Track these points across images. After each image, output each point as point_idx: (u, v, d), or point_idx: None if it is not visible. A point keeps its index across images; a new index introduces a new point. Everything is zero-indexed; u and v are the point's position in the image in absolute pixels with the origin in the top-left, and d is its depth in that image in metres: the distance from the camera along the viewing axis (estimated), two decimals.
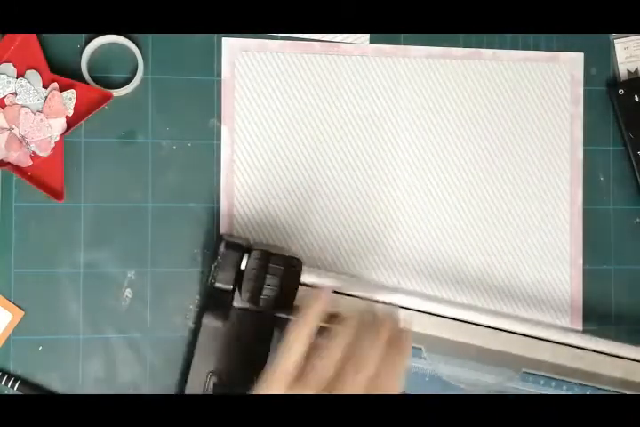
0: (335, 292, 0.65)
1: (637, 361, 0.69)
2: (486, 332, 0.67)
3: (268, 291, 0.63)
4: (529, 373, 0.67)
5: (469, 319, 0.67)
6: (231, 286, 0.64)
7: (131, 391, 0.67)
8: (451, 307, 0.67)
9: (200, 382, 0.64)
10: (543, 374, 0.67)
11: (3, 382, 0.64)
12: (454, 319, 0.67)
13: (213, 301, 0.64)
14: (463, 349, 0.67)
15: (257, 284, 0.63)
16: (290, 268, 0.64)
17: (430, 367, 0.67)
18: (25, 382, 0.65)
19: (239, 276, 0.64)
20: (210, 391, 0.64)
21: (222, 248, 0.64)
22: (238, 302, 0.65)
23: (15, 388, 0.65)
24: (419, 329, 0.67)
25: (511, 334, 0.68)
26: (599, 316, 0.74)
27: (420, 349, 0.67)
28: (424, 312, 0.67)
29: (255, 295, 0.63)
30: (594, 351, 0.68)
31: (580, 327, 0.74)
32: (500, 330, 0.68)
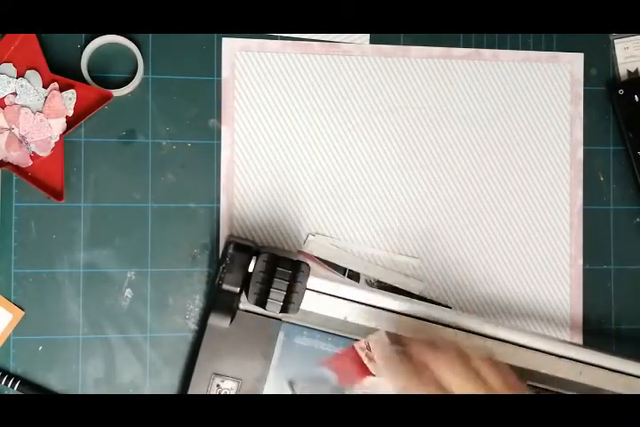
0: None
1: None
2: (489, 344, 0.67)
3: (275, 294, 0.63)
4: (533, 386, 0.66)
5: (471, 329, 0.66)
6: (238, 289, 0.63)
7: (130, 391, 0.67)
8: (451, 315, 0.66)
9: (204, 383, 0.64)
10: (546, 387, 0.67)
11: (3, 382, 0.64)
12: (456, 328, 0.66)
13: (220, 302, 0.64)
14: None
15: (264, 287, 0.63)
16: (298, 272, 0.64)
17: None
18: (25, 382, 0.65)
19: (247, 278, 0.64)
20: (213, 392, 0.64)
21: (231, 250, 0.64)
22: (245, 304, 0.65)
23: (15, 388, 0.65)
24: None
25: (517, 347, 0.67)
26: (599, 316, 0.74)
27: None
28: (426, 320, 0.66)
29: (262, 298, 0.63)
30: (594, 366, 0.67)
31: (580, 328, 0.74)
32: (504, 341, 0.67)
